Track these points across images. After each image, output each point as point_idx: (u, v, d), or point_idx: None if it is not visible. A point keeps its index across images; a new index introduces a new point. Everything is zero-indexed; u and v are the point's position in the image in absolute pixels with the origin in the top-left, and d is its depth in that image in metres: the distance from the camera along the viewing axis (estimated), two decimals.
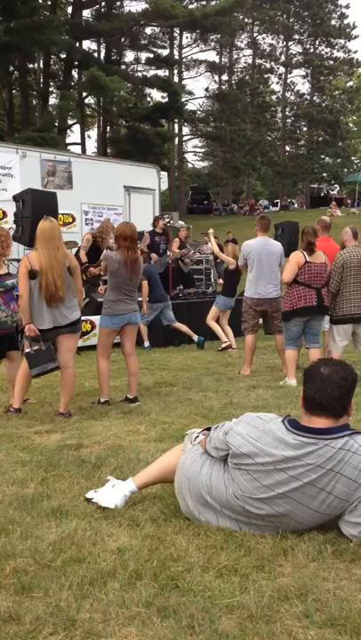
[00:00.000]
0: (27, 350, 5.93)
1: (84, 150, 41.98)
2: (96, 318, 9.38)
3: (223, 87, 53.03)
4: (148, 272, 10.31)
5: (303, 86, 56.69)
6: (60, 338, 5.87)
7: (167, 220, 17.15)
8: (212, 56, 53.27)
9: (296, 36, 54.17)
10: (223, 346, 10.31)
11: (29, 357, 5.85)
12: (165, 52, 47.22)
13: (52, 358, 5.87)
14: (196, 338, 10.64)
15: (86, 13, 41.38)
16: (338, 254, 7.44)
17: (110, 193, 14.08)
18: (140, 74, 45.82)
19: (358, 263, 7.28)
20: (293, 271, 7.26)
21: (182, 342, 10.96)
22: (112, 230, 10.23)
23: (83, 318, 6.53)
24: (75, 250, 10.47)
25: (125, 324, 6.39)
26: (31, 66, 41.11)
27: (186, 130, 52.24)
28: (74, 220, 13.19)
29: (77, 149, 40.08)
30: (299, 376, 7.21)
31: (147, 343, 10.65)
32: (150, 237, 12.38)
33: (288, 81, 55.32)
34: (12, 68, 37.76)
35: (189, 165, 59.61)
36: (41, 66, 40.98)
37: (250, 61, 54.75)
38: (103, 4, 41.64)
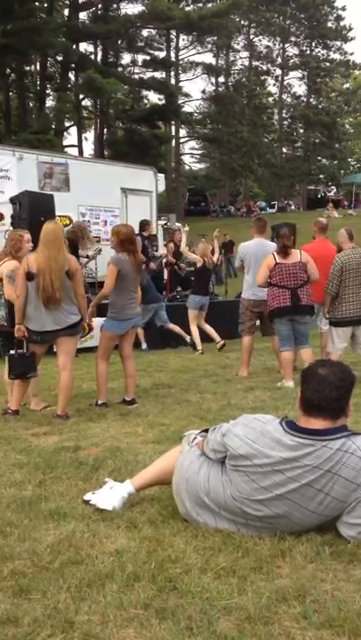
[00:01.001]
0: (11, 352, 5.93)
1: (81, 152, 42.09)
2: (94, 320, 9.38)
3: (220, 89, 53.17)
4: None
5: (300, 88, 56.86)
6: (59, 340, 5.86)
7: (164, 222, 17.16)
8: (208, 58, 53.34)
9: (293, 38, 54.28)
10: (197, 354, 10.30)
11: (11, 360, 5.87)
12: (162, 54, 47.39)
13: (33, 367, 5.90)
14: (188, 339, 10.65)
15: (83, 15, 41.55)
16: (336, 257, 7.42)
17: (107, 195, 14.08)
18: (136, 76, 45.96)
19: (357, 265, 7.27)
20: (264, 274, 7.31)
21: (180, 344, 10.96)
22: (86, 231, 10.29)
23: None
24: None
25: (131, 328, 6.40)
26: (28, 68, 41.25)
27: (183, 132, 52.38)
28: (71, 222, 13.18)
29: (74, 151, 40.14)
30: (296, 377, 7.21)
31: (144, 345, 10.65)
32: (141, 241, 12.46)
33: (285, 83, 55.48)
34: (8, 70, 37.84)
35: (186, 167, 59.67)
36: (38, 68, 41.09)
37: (246, 63, 54.92)
38: (100, 6, 41.72)
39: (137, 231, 12.79)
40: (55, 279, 5.65)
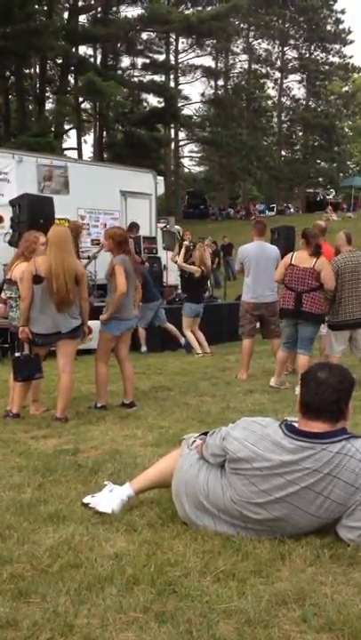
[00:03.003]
0: (16, 354, 5.92)
1: (80, 155, 42.12)
2: (93, 323, 9.37)
3: (219, 92, 53.24)
4: (141, 273, 10.40)
5: (299, 91, 56.86)
6: (60, 343, 5.86)
7: (164, 225, 17.18)
8: (207, 61, 53.30)
9: (292, 42, 54.31)
10: (201, 356, 10.32)
11: (18, 362, 5.86)
12: (161, 58, 47.39)
13: (39, 368, 5.89)
14: (183, 341, 10.65)
15: (82, 19, 41.53)
16: (333, 260, 7.40)
17: (107, 198, 14.09)
18: (136, 79, 46.00)
19: (353, 269, 7.26)
20: (280, 272, 7.31)
21: (179, 347, 10.96)
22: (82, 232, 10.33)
23: None
24: None
25: (126, 330, 6.39)
26: (27, 71, 41.19)
27: (182, 135, 52.49)
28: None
29: (74, 154, 40.22)
30: (293, 380, 7.21)
31: (144, 347, 10.63)
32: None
33: (284, 86, 55.50)
34: (8, 72, 37.86)
35: (186, 170, 59.72)
36: (37, 71, 41.10)
37: (246, 66, 54.90)
38: (99, 9, 41.74)
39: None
40: (69, 280, 5.65)
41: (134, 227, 13.00)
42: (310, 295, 7.03)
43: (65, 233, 5.90)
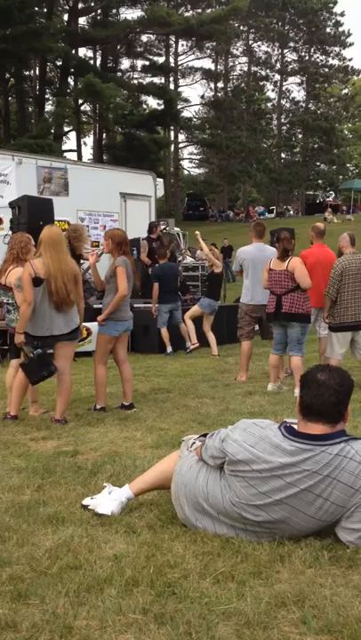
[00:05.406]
0: (22, 361, 5.80)
1: (80, 157, 42.17)
2: (92, 325, 9.38)
3: (219, 94, 53.32)
4: (160, 272, 10.45)
5: (298, 94, 57.18)
6: (58, 345, 5.83)
7: (163, 227, 17.21)
8: (207, 63, 53.79)
9: (291, 44, 54.42)
10: (191, 348, 10.35)
11: (25, 368, 5.72)
12: (161, 60, 47.48)
13: (48, 362, 5.72)
14: (169, 350, 10.61)
15: (82, 21, 41.62)
16: (337, 261, 7.40)
17: (106, 199, 14.12)
18: (135, 81, 46.06)
19: (357, 271, 7.24)
20: (264, 278, 7.42)
21: (179, 348, 10.95)
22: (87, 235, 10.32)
23: None
24: None
25: (124, 331, 6.39)
26: (27, 73, 41.31)
27: (182, 137, 52.63)
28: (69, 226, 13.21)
29: (73, 156, 40.22)
30: (288, 382, 7.22)
31: (169, 349, 10.61)
32: (148, 243, 12.57)
33: (283, 88, 55.60)
34: (7, 74, 37.92)
35: (185, 172, 59.78)
36: (37, 73, 41.15)
37: (245, 69, 55.00)
38: (99, 11, 41.82)
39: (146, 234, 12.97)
40: (68, 281, 5.64)
41: (154, 226, 13.08)
42: (288, 296, 7.12)
43: (59, 233, 5.88)
